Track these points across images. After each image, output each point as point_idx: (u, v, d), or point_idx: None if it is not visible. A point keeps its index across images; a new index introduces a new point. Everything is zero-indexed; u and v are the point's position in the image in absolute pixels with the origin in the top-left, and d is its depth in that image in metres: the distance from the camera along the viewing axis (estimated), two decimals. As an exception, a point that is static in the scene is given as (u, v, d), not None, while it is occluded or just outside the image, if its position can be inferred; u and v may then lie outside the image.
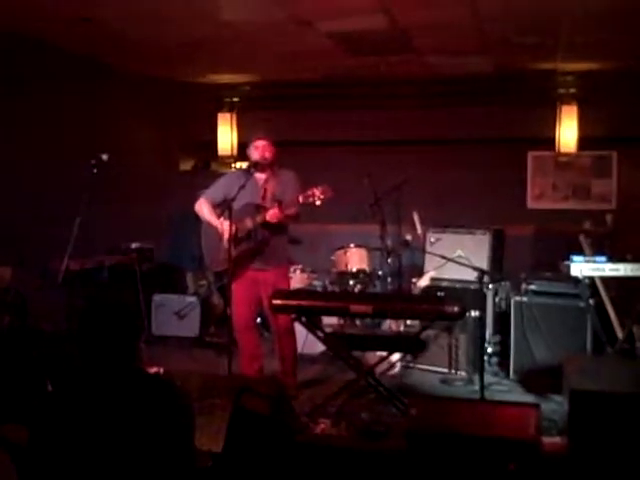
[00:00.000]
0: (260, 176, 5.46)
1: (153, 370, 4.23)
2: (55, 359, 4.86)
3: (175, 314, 7.12)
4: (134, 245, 7.07)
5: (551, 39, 6.24)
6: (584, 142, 7.80)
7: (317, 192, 5.02)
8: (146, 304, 7.11)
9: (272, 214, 5.20)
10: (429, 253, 6.45)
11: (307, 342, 5.93)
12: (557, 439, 4.27)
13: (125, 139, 7.57)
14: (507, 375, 5.96)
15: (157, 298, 7.35)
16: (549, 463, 3.75)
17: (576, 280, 5.61)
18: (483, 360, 5.29)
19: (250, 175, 5.38)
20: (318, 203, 5.05)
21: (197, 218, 5.62)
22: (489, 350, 6.28)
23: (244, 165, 6.76)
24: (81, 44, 6.53)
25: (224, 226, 5.29)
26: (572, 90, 7.81)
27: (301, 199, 5.10)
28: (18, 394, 4.21)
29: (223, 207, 5.36)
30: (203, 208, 5.53)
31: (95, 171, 5.62)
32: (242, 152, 8.29)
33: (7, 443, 2.93)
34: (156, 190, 8.13)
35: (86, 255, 6.13)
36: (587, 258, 5.43)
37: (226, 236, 5.20)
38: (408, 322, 6.03)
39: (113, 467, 2.39)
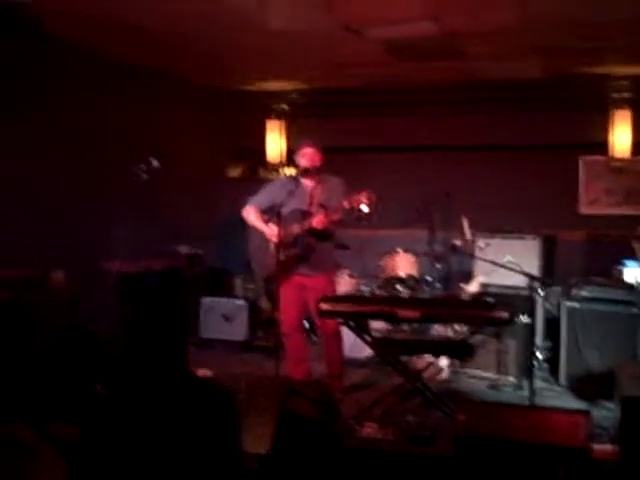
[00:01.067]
0: (307, 183, 5.48)
1: (201, 373, 4.27)
2: (106, 361, 4.93)
3: (223, 317, 7.17)
4: (183, 250, 7.14)
5: (603, 43, 6.14)
6: (639, 147, 7.65)
7: (362, 198, 5.01)
8: (195, 308, 7.18)
9: (318, 220, 5.22)
10: (478, 258, 6.40)
11: (354, 346, 5.92)
12: (608, 446, 4.18)
13: (175, 145, 7.67)
14: (557, 381, 5.86)
15: (206, 301, 7.39)
16: (599, 471, 3.69)
17: (629, 286, 5.50)
18: (533, 365, 5.21)
19: (298, 182, 5.42)
20: (365, 209, 5.02)
21: (245, 223, 5.67)
22: (539, 356, 6.19)
23: (292, 172, 6.81)
24: (131, 53, 6.64)
25: (272, 231, 5.33)
26: (625, 94, 7.67)
27: (346, 204, 5.10)
28: (69, 395, 4.28)
29: (270, 213, 5.41)
30: (250, 214, 5.58)
31: (145, 176, 5.70)
32: (291, 159, 8.35)
33: (55, 440, 2.97)
34: (205, 196, 8.22)
35: (137, 259, 6.22)
36: (641, 264, 5.33)
37: (274, 241, 5.24)
38: (456, 327, 5.99)
39: (162, 468, 2.42)
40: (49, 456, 1.56)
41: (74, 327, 5.38)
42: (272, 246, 5.28)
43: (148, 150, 6.23)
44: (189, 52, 6.69)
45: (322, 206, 5.31)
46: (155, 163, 5.75)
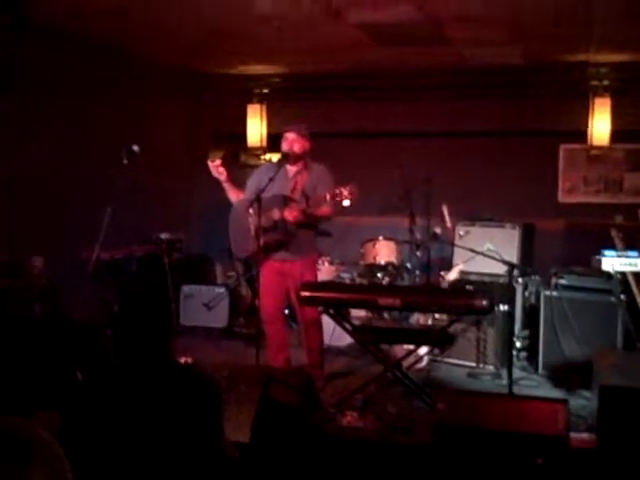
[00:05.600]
0: (291, 168, 5.47)
1: (182, 360, 4.26)
2: (85, 348, 4.91)
3: (204, 305, 7.14)
4: (163, 236, 7.10)
5: (585, 30, 6.15)
6: (617, 135, 7.69)
7: (345, 192, 5.00)
8: (175, 295, 7.14)
9: (290, 214, 5.22)
10: (458, 246, 6.41)
11: (335, 334, 5.93)
12: (585, 435, 4.23)
13: (155, 130, 7.61)
14: (536, 370, 5.91)
15: (186, 289, 7.36)
16: (577, 459, 3.73)
17: (607, 275, 5.55)
18: (511, 354, 5.24)
19: (281, 167, 5.40)
20: (346, 203, 5.03)
21: (226, 209, 5.65)
22: (518, 345, 6.23)
23: (274, 157, 6.78)
24: (112, 35, 6.56)
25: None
26: (605, 82, 7.69)
27: (328, 197, 5.08)
28: (49, 382, 4.26)
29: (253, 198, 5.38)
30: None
31: (126, 162, 5.65)
32: (271, 143, 8.30)
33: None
34: (186, 181, 8.17)
35: (116, 245, 6.18)
36: (619, 253, 5.36)
37: (253, 227, 5.21)
38: (436, 315, 6.01)
39: (144, 455, 2.41)
40: (49, 448, 1.55)
41: (52, 314, 5.37)
42: (252, 231, 5.25)
43: (128, 135, 6.17)
44: (170, 35, 6.61)
45: (305, 196, 5.29)
46: (136, 148, 5.70)
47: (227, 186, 5.51)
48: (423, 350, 5.65)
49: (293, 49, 7.16)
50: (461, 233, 6.69)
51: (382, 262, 6.70)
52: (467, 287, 6.08)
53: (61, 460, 1.53)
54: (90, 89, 6.65)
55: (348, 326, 5.37)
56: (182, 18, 5.99)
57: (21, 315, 5.20)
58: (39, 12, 5.67)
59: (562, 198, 8.09)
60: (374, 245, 6.78)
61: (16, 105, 5.82)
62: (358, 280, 6.90)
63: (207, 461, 2.52)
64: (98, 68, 6.76)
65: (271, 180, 5.16)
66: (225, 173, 5.43)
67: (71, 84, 6.43)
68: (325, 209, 5.28)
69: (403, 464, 4.11)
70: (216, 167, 5.42)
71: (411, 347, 5.38)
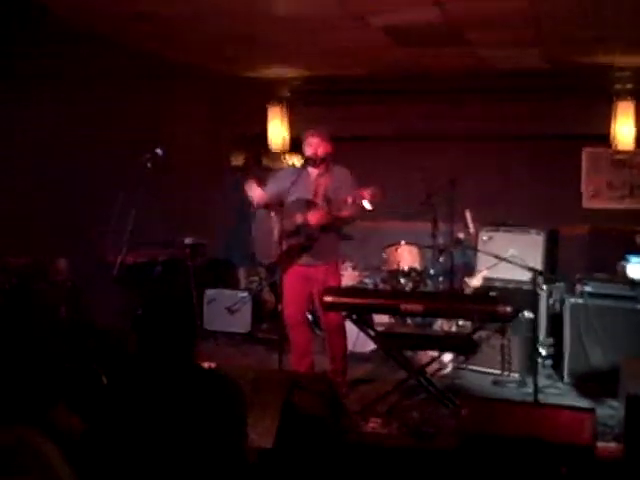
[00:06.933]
0: (313, 171, 5.45)
1: (205, 365, 4.25)
2: (110, 352, 4.92)
3: (227, 309, 7.15)
4: (187, 240, 7.11)
5: (608, 33, 6.10)
6: (642, 139, 7.62)
7: (367, 195, 4.98)
8: (198, 299, 7.15)
9: (313, 216, 5.21)
10: (481, 252, 6.38)
11: (358, 340, 5.91)
12: (612, 444, 4.19)
13: (178, 133, 7.61)
14: (561, 378, 5.86)
15: (209, 293, 7.38)
16: (603, 469, 3.69)
17: (632, 282, 5.50)
18: (536, 362, 5.20)
19: (303, 171, 5.39)
20: (368, 207, 5.01)
21: (248, 214, 5.66)
22: (542, 352, 6.19)
23: (295, 159, 6.75)
24: (134, 38, 6.57)
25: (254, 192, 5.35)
26: (629, 85, 7.63)
27: (350, 200, 5.07)
28: (73, 386, 4.27)
29: (275, 202, 5.38)
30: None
31: (149, 165, 5.66)
32: (293, 146, 8.29)
33: (56, 431, 2.93)
34: (208, 185, 8.17)
35: (140, 249, 6.19)
36: (644, 259, 5.32)
37: (276, 232, 5.21)
38: (460, 322, 5.97)
39: (168, 460, 2.41)
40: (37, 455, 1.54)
41: (76, 317, 5.38)
42: (275, 234, 5.25)
43: (151, 138, 6.18)
44: (192, 37, 6.62)
45: (327, 199, 5.29)
46: (159, 151, 5.71)
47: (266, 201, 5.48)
48: (447, 357, 5.62)
49: (316, 52, 7.15)
50: (485, 238, 6.65)
51: (405, 268, 6.67)
52: (491, 293, 6.03)
53: (54, 467, 1.52)
54: (111, 92, 6.65)
55: (371, 332, 5.36)
56: (205, 22, 5.99)
57: (47, 317, 5.22)
58: (69, 14, 5.70)
59: (586, 203, 8.02)
60: (397, 250, 6.75)
61: (42, 106, 5.84)
62: (381, 286, 6.88)
63: (231, 465, 2.52)
64: (118, 70, 6.76)
65: (293, 184, 5.15)
66: (261, 192, 5.41)
67: (95, 84, 6.43)
68: (347, 212, 5.27)
69: (427, 471, 4.09)
70: (254, 192, 5.42)
71: (435, 354, 5.35)
